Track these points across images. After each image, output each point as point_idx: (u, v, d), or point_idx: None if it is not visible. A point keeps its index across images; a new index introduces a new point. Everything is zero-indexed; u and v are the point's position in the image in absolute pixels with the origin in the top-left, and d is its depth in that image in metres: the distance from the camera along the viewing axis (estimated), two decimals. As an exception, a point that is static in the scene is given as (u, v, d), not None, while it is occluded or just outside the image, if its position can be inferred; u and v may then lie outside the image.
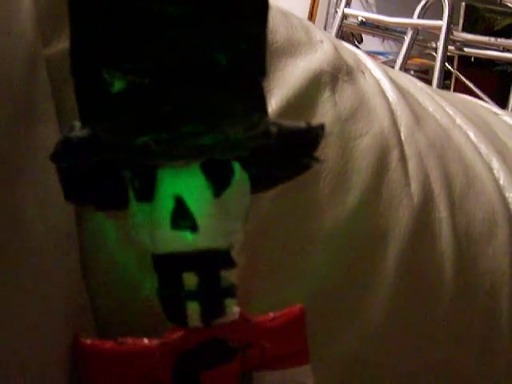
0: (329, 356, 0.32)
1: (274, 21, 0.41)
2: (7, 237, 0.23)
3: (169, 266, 0.25)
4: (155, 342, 0.27)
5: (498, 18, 2.10)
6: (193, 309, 0.25)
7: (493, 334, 0.34)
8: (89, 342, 0.27)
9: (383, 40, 2.24)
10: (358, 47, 2.19)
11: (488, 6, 2.01)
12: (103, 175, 0.25)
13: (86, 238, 0.30)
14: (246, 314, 0.27)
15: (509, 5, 1.67)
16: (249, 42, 0.23)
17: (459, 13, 2.00)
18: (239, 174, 0.25)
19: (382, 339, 0.32)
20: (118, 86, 0.22)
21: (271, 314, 0.28)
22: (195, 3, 0.22)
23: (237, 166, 0.25)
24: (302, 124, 0.24)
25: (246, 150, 0.23)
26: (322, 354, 0.31)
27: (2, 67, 0.24)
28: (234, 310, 0.26)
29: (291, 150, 0.25)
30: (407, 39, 1.71)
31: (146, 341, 0.27)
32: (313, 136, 0.25)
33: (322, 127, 0.25)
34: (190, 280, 0.25)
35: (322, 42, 0.43)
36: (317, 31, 0.45)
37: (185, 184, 0.24)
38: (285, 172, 0.27)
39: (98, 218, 0.30)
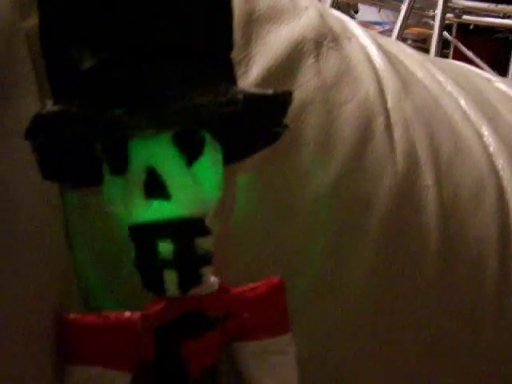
0: (307, 326, 0.31)
1: (258, -12, 0.41)
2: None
3: (144, 235, 0.25)
4: (137, 315, 0.27)
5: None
6: (170, 277, 0.25)
7: (479, 303, 0.34)
8: (72, 316, 0.27)
9: (379, 9, 2.21)
10: (354, 17, 2.16)
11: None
12: (77, 151, 0.25)
13: (71, 212, 0.30)
14: (226, 284, 0.27)
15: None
16: (217, 19, 0.24)
17: (458, -21, 1.97)
18: (210, 144, 0.25)
19: (363, 309, 0.32)
20: (87, 63, 0.23)
21: (250, 285, 0.28)
22: None
23: (208, 136, 0.25)
24: (269, 91, 0.24)
25: (214, 117, 0.23)
26: (301, 323, 0.31)
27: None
28: (211, 279, 0.26)
29: (259, 118, 0.25)
30: (404, 8, 1.68)
31: (128, 314, 0.27)
32: (280, 103, 0.25)
33: (289, 94, 0.25)
34: (166, 248, 0.25)
35: (306, 8, 0.42)
36: (303, -2, 0.44)
37: (156, 154, 0.24)
38: (256, 141, 0.27)
39: (80, 192, 0.30)
